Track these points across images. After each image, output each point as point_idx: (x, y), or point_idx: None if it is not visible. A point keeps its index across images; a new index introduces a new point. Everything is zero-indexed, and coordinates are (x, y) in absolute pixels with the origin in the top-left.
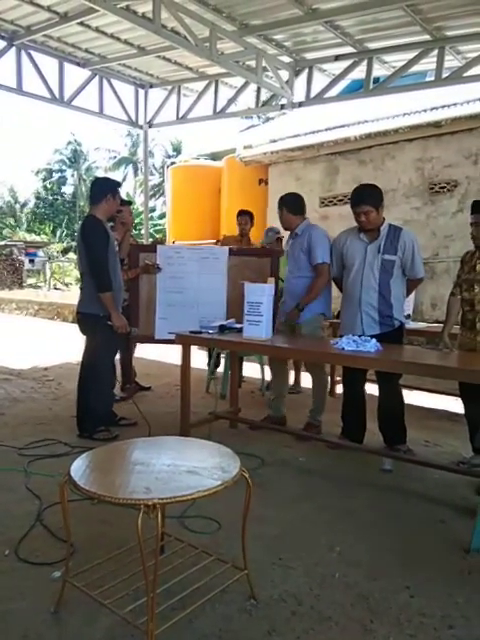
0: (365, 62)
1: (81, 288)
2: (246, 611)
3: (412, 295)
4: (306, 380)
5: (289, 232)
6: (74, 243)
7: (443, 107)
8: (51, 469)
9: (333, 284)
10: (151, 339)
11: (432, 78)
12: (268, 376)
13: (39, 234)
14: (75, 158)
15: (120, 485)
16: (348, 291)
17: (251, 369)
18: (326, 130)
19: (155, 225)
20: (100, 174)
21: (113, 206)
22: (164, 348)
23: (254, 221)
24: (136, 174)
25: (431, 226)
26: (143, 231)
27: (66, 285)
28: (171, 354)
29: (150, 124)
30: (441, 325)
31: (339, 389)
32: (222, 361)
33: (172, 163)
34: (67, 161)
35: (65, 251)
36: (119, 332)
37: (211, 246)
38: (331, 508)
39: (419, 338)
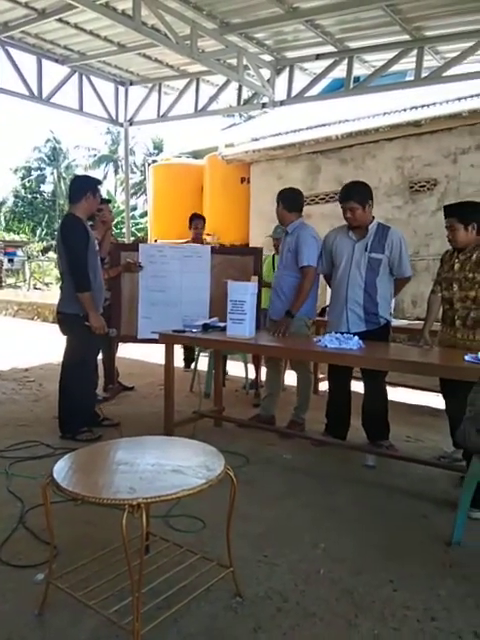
0: (345, 61)
1: (61, 288)
2: (232, 609)
3: None
4: (290, 378)
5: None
6: (54, 242)
7: (423, 106)
8: (33, 471)
9: (319, 285)
10: (134, 338)
11: (412, 78)
12: (252, 374)
13: (18, 233)
14: (54, 156)
15: (104, 485)
16: (335, 288)
17: (235, 367)
18: (307, 129)
19: (137, 224)
20: (80, 172)
21: (93, 204)
22: (147, 348)
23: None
24: (117, 172)
25: (412, 224)
26: (125, 230)
27: (46, 285)
28: (154, 354)
29: (131, 122)
30: (422, 322)
31: (322, 386)
32: (199, 358)
33: (153, 161)
34: (46, 159)
35: (45, 250)
36: (97, 333)
37: (194, 244)
38: (315, 505)
39: (400, 335)
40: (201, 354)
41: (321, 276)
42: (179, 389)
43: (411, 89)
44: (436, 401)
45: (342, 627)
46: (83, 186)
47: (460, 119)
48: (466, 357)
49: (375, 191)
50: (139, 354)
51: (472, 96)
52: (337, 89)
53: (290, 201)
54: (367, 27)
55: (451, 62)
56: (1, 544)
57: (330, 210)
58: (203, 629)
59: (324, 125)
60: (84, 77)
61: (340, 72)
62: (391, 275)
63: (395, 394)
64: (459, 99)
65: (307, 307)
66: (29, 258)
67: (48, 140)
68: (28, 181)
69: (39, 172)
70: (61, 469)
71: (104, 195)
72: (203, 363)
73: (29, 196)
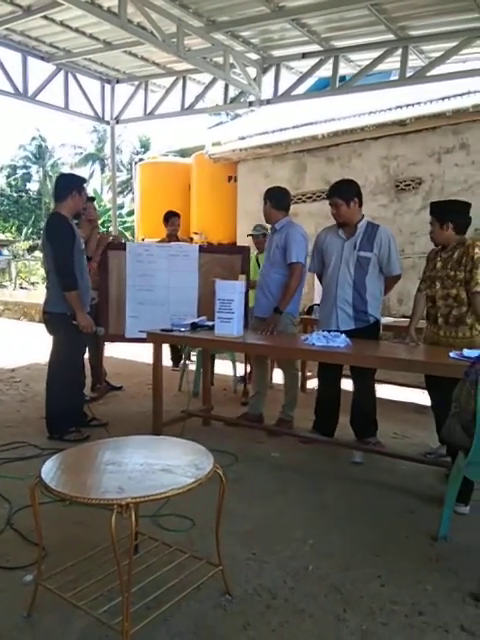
0: (331, 60)
1: (47, 287)
2: (221, 607)
3: None
4: (278, 376)
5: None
6: (40, 241)
7: (407, 106)
8: (21, 472)
9: (305, 283)
10: (121, 338)
11: (396, 77)
12: (240, 372)
13: (4, 232)
14: (40, 154)
15: (92, 485)
16: (325, 287)
17: (223, 366)
18: (294, 128)
19: (123, 222)
20: (66, 170)
21: (79, 203)
22: (135, 347)
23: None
24: (103, 171)
25: (397, 223)
26: (111, 228)
27: (32, 284)
28: (142, 353)
29: (117, 120)
30: (408, 320)
31: (310, 384)
32: (187, 356)
33: (140, 160)
34: (32, 157)
35: (31, 249)
36: (84, 332)
37: (181, 243)
38: (304, 502)
39: (387, 333)
40: (191, 353)
41: (308, 274)
42: (167, 388)
43: (396, 88)
44: (422, 398)
45: (331, 623)
46: (69, 184)
47: (444, 118)
48: (451, 354)
49: (361, 190)
50: (127, 354)
51: (456, 96)
52: (323, 88)
53: (277, 199)
54: (352, 26)
55: (435, 62)
56: None
57: (317, 209)
58: (192, 627)
59: (310, 124)
60: (70, 75)
61: (326, 71)
62: (381, 273)
63: (382, 391)
64: (443, 99)
65: (293, 305)
66: (15, 257)
67: (34, 138)
68: (13, 179)
69: (25, 170)
70: (49, 469)
71: (90, 193)
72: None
73: (15, 194)
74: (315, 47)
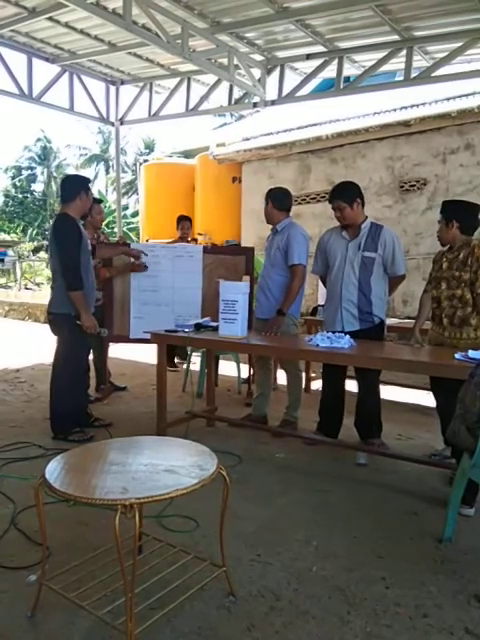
0: (336, 61)
1: (52, 287)
2: (225, 608)
3: None
4: (282, 377)
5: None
6: (45, 242)
7: (412, 106)
8: (25, 472)
9: (308, 286)
10: (126, 338)
11: (401, 78)
12: (244, 374)
13: (9, 233)
14: (45, 155)
15: (96, 486)
16: (329, 288)
17: (227, 367)
18: (298, 129)
19: (128, 223)
20: (71, 171)
21: (86, 203)
22: (139, 348)
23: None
24: (108, 172)
25: (402, 224)
26: (116, 229)
27: (37, 285)
28: (146, 354)
29: (122, 121)
30: (412, 321)
31: (314, 385)
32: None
33: (145, 161)
34: (37, 158)
35: (36, 250)
36: (88, 333)
37: (186, 244)
38: (308, 503)
39: (391, 334)
40: (193, 354)
41: (310, 275)
42: (171, 389)
43: (400, 89)
44: (427, 399)
45: (335, 624)
46: (76, 185)
47: (449, 119)
48: (456, 355)
49: (365, 191)
50: (131, 354)
51: (461, 96)
52: (327, 89)
53: (279, 200)
54: (357, 27)
55: (440, 62)
56: None
57: (321, 210)
58: (196, 628)
59: (315, 125)
60: (75, 76)
61: (330, 72)
62: (385, 274)
63: (386, 392)
64: (448, 99)
65: (294, 306)
66: (20, 258)
67: (39, 139)
68: (19, 180)
69: (30, 171)
70: (53, 470)
71: (95, 194)
72: (195, 363)
73: (20, 196)
74: (319, 48)
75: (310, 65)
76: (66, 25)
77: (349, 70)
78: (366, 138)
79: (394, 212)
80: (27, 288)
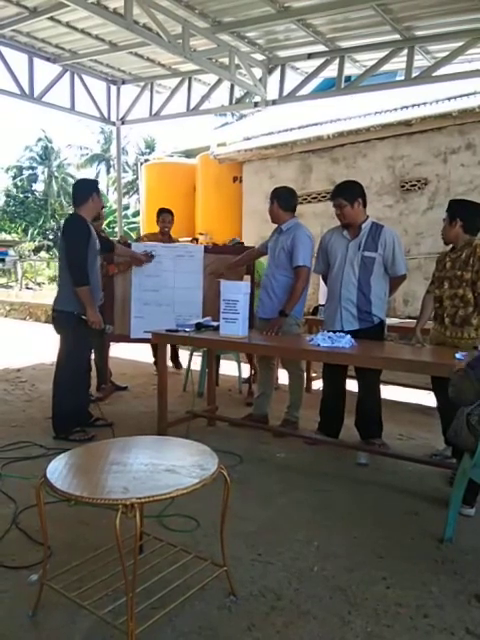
0: (337, 61)
1: (59, 285)
2: (226, 608)
3: None
4: (283, 377)
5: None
6: (46, 242)
7: (413, 106)
8: (26, 472)
9: (310, 286)
10: (127, 338)
11: (402, 78)
12: (245, 373)
13: (10, 233)
14: (46, 155)
15: (97, 485)
16: (330, 287)
17: (228, 367)
18: (299, 128)
19: (129, 223)
20: (72, 171)
21: (98, 204)
22: (139, 347)
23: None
24: (109, 171)
25: (403, 223)
26: (117, 229)
27: (38, 284)
28: (146, 354)
29: (123, 121)
30: (414, 321)
31: (315, 385)
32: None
33: (146, 160)
34: (38, 158)
35: (37, 250)
36: (93, 328)
37: (186, 244)
38: (309, 503)
39: (392, 334)
40: (194, 354)
41: (313, 275)
42: (172, 389)
43: (401, 89)
44: (428, 399)
45: (335, 624)
46: (88, 188)
47: (450, 119)
48: (457, 355)
49: (366, 190)
50: (131, 354)
51: (462, 96)
52: (328, 89)
53: (285, 200)
54: (358, 27)
55: (441, 62)
56: None
57: (322, 209)
58: (197, 628)
59: (316, 124)
60: (76, 76)
61: (331, 72)
62: (386, 274)
63: (387, 392)
64: (449, 99)
65: (298, 307)
66: (21, 258)
67: (40, 139)
68: (20, 180)
69: (31, 171)
70: (54, 469)
71: None
72: (196, 363)
73: (21, 195)
74: (320, 47)
75: (311, 65)
76: (67, 25)
77: (350, 70)
78: (367, 138)
79: (395, 212)
80: (28, 288)
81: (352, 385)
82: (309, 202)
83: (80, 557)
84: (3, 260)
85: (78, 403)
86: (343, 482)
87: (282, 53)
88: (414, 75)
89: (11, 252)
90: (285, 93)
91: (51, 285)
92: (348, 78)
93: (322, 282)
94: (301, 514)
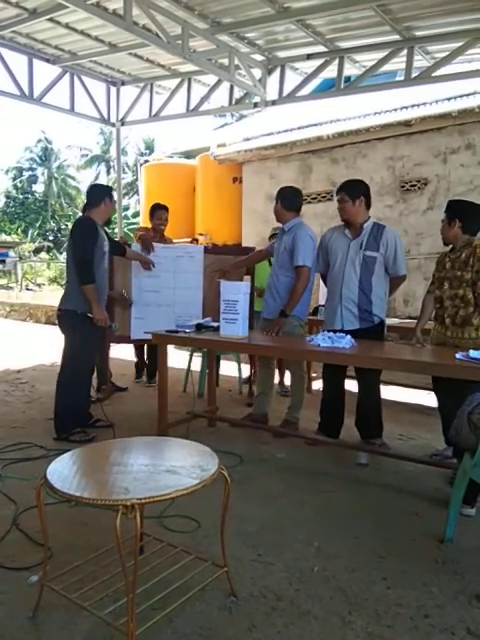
0: (336, 61)
1: (65, 284)
2: (226, 608)
3: None
4: (286, 379)
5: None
6: (46, 243)
7: (413, 106)
8: (27, 472)
9: (312, 285)
10: (127, 339)
11: (402, 78)
12: (245, 374)
13: (10, 234)
14: (46, 156)
15: (98, 486)
16: (330, 286)
17: (228, 367)
18: (299, 129)
19: (129, 224)
20: (72, 172)
21: (111, 208)
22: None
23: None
24: (108, 172)
25: (403, 224)
26: (117, 230)
27: (38, 285)
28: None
29: (122, 122)
30: (414, 321)
31: (315, 385)
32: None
33: (145, 161)
34: (38, 159)
35: (37, 251)
36: (99, 325)
37: (186, 245)
38: (309, 503)
39: (392, 334)
40: (194, 354)
41: (315, 275)
42: (172, 390)
43: (401, 89)
44: (428, 399)
45: (336, 625)
46: (102, 192)
47: (450, 119)
48: (457, 355)
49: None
50: (131, 355)
51: (461, 96)
52: (328, 89)
53: (289, 199)
54: (357, 27)
55: (441, 62)
56: None
57: (322, 209)
58: (198, 629)
59: (315, 125)
60: (75, 77)
61: (331, 72)
62: (386, 274)
63: (387, 392)
64: (449, 99)
65: (300, 308)
66: (21, 259)
67: (39, 140)
68: (19, 181)
69: (30, 172)
70: (55, 470)
71: None
72: (196, 364)
73: (21, 197)
74: (320, 48)
75: (311, 65)
76: (67, 26)
77: (350, 70)
78: (367, 138)
79: (395, 212)
80: (28, 289)
81: (352, 385)
82: (309, 202)
83: (80, 558)
84: (3, 261)
85: (78, 403)
86: (343, 482)
87: (282, 54)
88: (414, 75)
89: (11, 253)
90: (285, 94)
91: (51, 286)
92: (348, 78)
93: (322, 282)
94: (301, 514)
